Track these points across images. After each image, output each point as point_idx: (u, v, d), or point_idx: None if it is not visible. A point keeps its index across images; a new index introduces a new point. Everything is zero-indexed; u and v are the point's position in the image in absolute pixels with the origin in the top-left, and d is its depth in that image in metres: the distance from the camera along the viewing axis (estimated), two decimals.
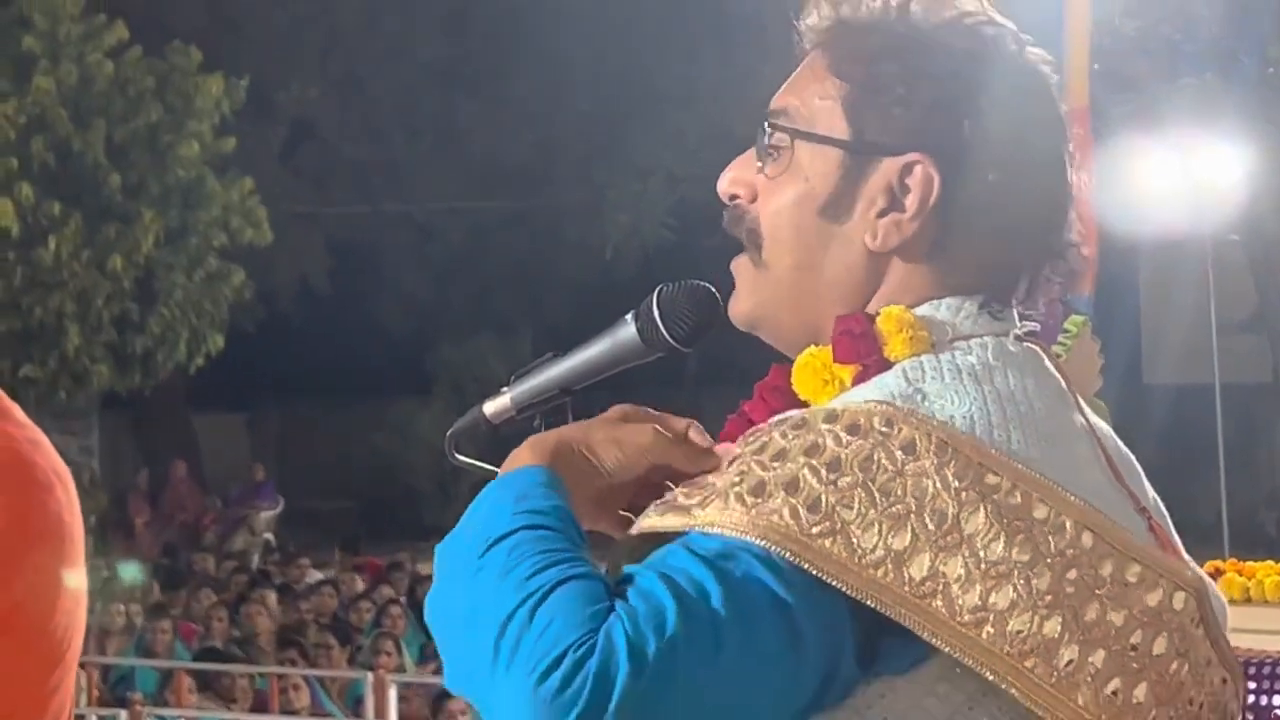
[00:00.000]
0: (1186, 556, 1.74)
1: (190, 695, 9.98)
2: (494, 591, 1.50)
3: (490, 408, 1.89)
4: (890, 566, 1.51)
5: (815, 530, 1.51)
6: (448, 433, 1.92)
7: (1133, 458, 1.77)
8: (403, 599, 12.78)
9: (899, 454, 1.54)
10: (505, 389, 1.88)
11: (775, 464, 1.55)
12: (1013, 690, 1.51)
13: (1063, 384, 1.71)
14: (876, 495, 1.52)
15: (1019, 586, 1.51)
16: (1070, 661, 1.52)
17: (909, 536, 1.51)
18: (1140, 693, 1.55)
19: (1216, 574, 5.43)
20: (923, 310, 1.67)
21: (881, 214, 1.68)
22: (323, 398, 25.33)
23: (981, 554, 1.51)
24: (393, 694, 9.44)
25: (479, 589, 1.52)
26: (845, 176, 1.69)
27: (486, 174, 23.61)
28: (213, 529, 20.41)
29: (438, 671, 10.53)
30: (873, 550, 1.51)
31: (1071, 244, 1.75)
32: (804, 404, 1.65)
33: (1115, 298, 12.54)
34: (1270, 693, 5.00)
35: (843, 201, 1.69)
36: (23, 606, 1.97)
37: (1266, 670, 4.96)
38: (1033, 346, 1.71)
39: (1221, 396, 14.63)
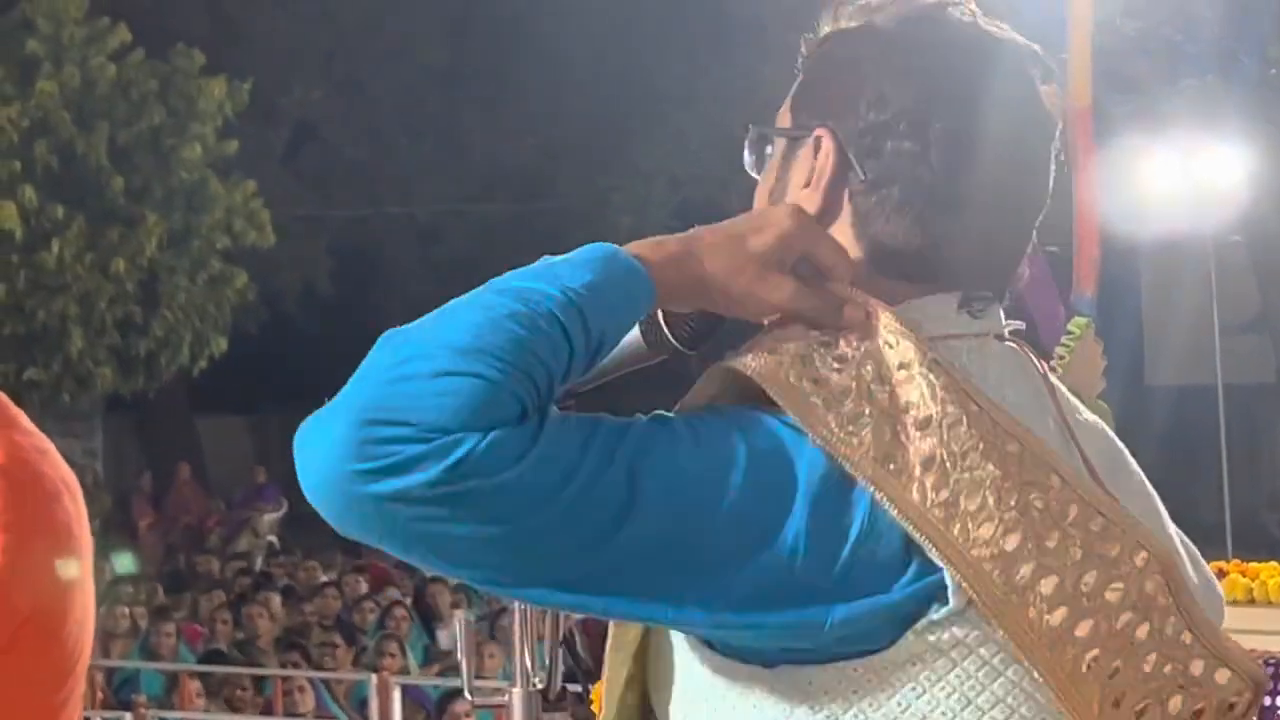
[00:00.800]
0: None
1: (197, 700, 9.98)
2: (469, 319, 1.49)
3: None
4: (873, 450, 1.53)
5: (814, 399, 1.56)
6: None
7: (1127, 459, 1.78)
8: (407, 601, 12.78)
9: (898, 369, 1.59)
10: None
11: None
12: (968, 589, 1.51)
13: (1041, 386, 1.71)
14: (871, 386, 1.57)
15: (989, 496, 1.53)
16: (1023, 578, 1.53)
17: (889, 433, 1.54)
18: (1084, 628, 1.55)
19: (1220, 575, 5.43)
20: (898, 311, 1.67)
21: (800, 191, 1.73)
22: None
23: (959, 460, 1.54)
24: (397, 696, 9.44)
25: (478, 302, 1.52)
26: (784, 161, 1.76)
27: (489, 176, 23.63)
28: (216, 531, 20.41)
29: (442, 674, 10.55)
30: (860, 434, 1.54)
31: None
32: None
33: (1117, 299, 12.53)
34: (1273, 694, 5.01)
35: (780, 185, 1.76)
36: (33, 620, 1.96)
37: (1270, 670, 4.97)
38: (1013, 346, 1.72)
39: (1224, 398, 14.64)
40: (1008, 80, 1.71)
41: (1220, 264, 15.63)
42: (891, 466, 1.53)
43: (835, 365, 1.59)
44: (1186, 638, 1.62)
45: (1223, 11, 16.00)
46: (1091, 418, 1.76)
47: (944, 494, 1.52)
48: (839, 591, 1.52)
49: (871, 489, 1.52)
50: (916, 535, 1.52)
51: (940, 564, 1.52)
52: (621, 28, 21.40)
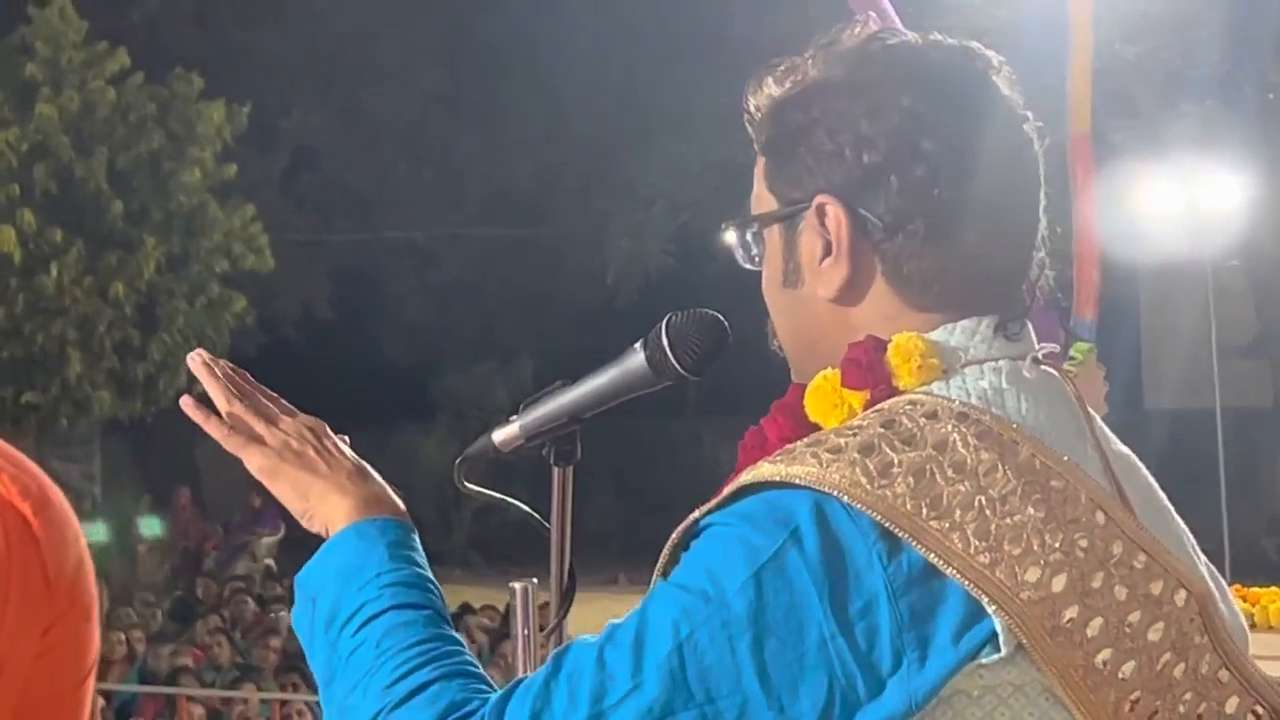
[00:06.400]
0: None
1: None
2: (355, 689, 1.69)
3: (500, 436, 1.90)
4: (909, 500, 1.52)
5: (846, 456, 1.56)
6: (457, 460, 1.93)
7: (1158, 490, 1.76)
8: None
9: (922, 419, 1.58)
10: (514, 417, 1.89)
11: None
12: (1019, 633, 1.50)
13: (1078, 410, 1.70)
14: (896, 442, 1.55)
15: (1032, 540, 1.52)
16: (1070, 620, 1.52)
17: (926, 479, 1.53)
18: (1127, 669, 1.55)
19: None
20: (936, 335, 1.66)
21: (821, 263, 1.69)
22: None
23: (998, 505, 1.53)
24: None
25: (342, 668, 1.74)
26: (786, 244, 1.73)
27: (488, 201, 23.64)
28: (214, 555, 20.38)
29: None
30: (893, 486, 1.52)
31: (1042, 256, 1.72)
32: (814, 424, 1.66)
33: (1116, 323, 12.55)
34: None
35: (791, 267, 1.72)
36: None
37: None
38: (1049, 370, 1.70)
39: (1222, 422, 14.65)
40: (967, 77, 1.69)
41: (1219, 288, 15.64)
42: (931, 512, 1.52)
43: (850, 430, 1.59)
44: (1224, 675, 1.63)
45: (1222, 37, 16.02)
46: (1123, 448, 1.75)
47: (987, 540, 1.52)
48: (901, 675, 1.51)
49: (911, 543, 1.50)
50: (963, 582, 1.50)
51: (989, 610, 1.50)
52: (619, 52, 21.43)
